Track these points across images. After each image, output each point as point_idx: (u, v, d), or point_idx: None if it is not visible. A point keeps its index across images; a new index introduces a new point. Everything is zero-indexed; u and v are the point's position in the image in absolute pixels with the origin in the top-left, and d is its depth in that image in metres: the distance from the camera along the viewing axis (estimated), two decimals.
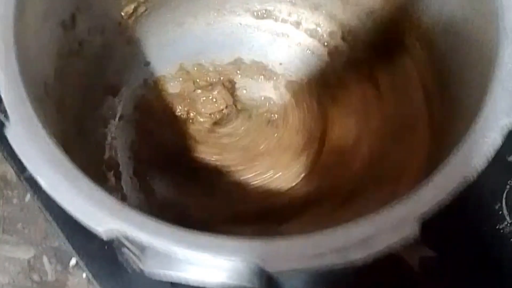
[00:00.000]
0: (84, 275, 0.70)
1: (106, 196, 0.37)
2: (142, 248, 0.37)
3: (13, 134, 0.38)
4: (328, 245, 0.35)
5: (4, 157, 0.75)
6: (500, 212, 0.66)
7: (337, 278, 0.55)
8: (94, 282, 0.68)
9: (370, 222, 0.36)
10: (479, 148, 0.38)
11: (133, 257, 0.39)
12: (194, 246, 0.35)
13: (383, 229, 0.36)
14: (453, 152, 0.39)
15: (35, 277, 0.71)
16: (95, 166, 0.57)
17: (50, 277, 0.71)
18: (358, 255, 0.35)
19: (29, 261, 0.71)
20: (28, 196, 0.74)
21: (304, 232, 0.36)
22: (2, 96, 0.39)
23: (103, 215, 0.36)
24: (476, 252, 0.67)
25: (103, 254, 0.70)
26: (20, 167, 0.74)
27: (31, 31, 0.43)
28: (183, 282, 0.37)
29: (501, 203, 0.66)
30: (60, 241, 0.72)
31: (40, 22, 0.45)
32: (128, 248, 0.40)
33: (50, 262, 0.71)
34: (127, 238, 0.36)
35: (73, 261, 0.71)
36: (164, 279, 0.37)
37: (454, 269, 0.66)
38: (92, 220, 0.36)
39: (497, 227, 0.65)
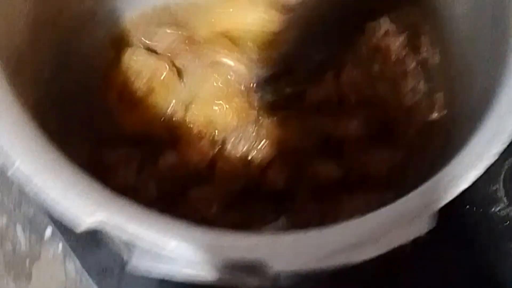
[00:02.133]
0: (60, 246, 0.66)
1: (89, 183, 0.33)
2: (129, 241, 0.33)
3: None
4: (339, 242, 0.31)
5: None
6: (497, 194, 0.64)
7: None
8: (72, 254, 0.65)
9: (383, 215, 0.33)
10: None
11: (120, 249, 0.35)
12: (189, 241, 0.31)
13: (398, 222, 0.32)
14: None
15: (7, 246, 0.66)
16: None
17: (24, 247, 0.66)
18: (373, 253, 0.31)
19: (1, 229, 0.67)
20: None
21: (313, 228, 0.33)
22: None
23: (86, 205, 0.32)
24: (471, 234, 0.65)
25: None
26: None
27: None
28: (172, 278, 0.34)
29: (499, 185, 0.64)
30: (35, 209, 0.67)
31: None
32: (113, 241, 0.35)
33: (23, 231, 0.67)
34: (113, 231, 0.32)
35: (48, 231, 0.66)
36: (153, 275, 0.33)
37: (447, 252, 0.64)
38: (73, 213, 0.31)
39: (493, 209, 0.63)
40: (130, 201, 0.33)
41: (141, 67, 0.56)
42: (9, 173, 0.31)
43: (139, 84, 0.56)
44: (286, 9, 0.58)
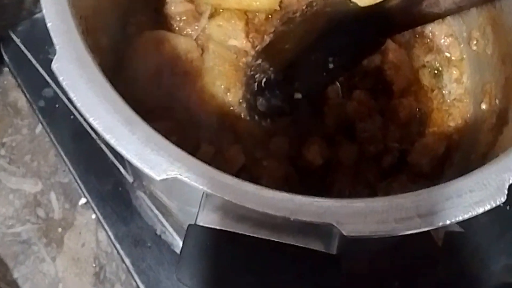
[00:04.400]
0: (93, 216, 0.66)
1: (164, 141, 0.33)
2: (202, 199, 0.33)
3: (61, 67, 0.33)
4: (414, 209, 0.32)
5: (18, 83, 0.70)
6: None
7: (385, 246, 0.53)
8: (104, 224, 0.65)
9: (458, 185, 0.33)
10: None
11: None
12: (267, 205, 0.31)
13: (473, 192, 0.33)
14: None
15: (41, 213, 0.67)
16: None
17: (57, 214, 0.67)
18: (446, 220, 0.32)
19: (35, 196, 0.68)
20: (39, 127, 0.70)
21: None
22: (49, 26, 0.35)
23: (161, 162, 0.32)
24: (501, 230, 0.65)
25: (116, 196, 0.66)
26: (34, 95, 0.70)
27: None
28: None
29: None
30: (70, 178, 0.68)
31: None
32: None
33: (58, 199, 0.68)
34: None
35: (82, 200, 0.67)
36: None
37: (477, 246, 0.65)
38: (150, 166, 0.32)
39: None
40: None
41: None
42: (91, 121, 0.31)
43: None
44: None
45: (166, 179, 0.32)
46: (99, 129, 0.32)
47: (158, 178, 0.31)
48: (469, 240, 0.66)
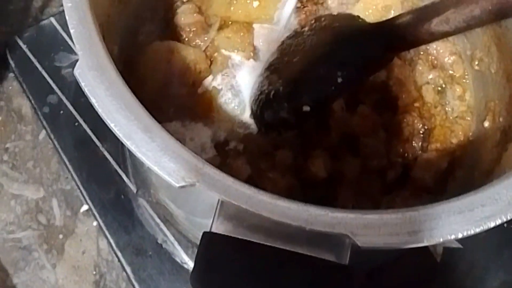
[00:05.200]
0: (94, 223, 0.66)
1: (182, 148, 0.34)
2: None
3: (82, 73, 0.34)
4: (426, 222, 0.33)
5: (23, 89, 0.70)
6: None
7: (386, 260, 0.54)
8: (106, 232, 0.65)
9: (470, 199, 0.34)
10: None
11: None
12: (283, 214, 0.32)
13: (485, 207, 0.33)
14: None
15: (42, 219, 0.67)
16: None
17: (58, 221, 0.67)
18: (458, 234, 0.32)
19: (37, 202, 0.67)
20: (43, 134, 0.70)
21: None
22: (72, 32, 0.35)
23: (180, 169, 0.32)
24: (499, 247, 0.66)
25: (118, 204, 0.66)
26: (38, 102, 0.70)
27: None
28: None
29: None
30: (72, 185, 0.68)
31: None
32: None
33: (59, 206, 0.68)
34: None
35: (84, 208, 0.67)
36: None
37: (475, 262, 0.65)
38: (169, 173, 0.32)
39: None
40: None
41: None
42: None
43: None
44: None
45: (184, 186, 0.32)
46: (120, 135, 0.32)
47: (177, 185, 0.32)
48: (467, 256, 0.66)
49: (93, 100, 0.32)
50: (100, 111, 0.32)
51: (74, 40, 0.34)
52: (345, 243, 0.34)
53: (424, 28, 0.47)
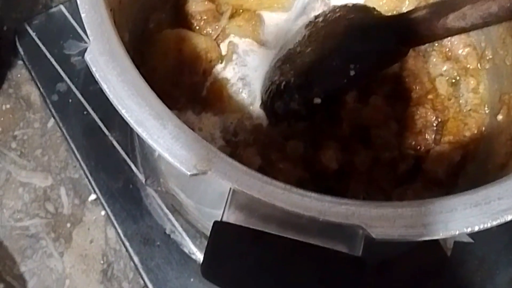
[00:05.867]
0: (102, 212, 0.66)
1: (194, 136, 0.33)
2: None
3: (94, 58, 0.33)
4: (442, 215, 0.32)
5: (32, 77, 0.70)
6: None
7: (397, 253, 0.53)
8: (114, 221, 0.65)
9: (487, 192, 0.33)
10: None
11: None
12: (296, 204, 0.31)
13: (502, 199, 0.33)
14: None
15: (50, 207, 0.67)
16: None
17: (66, 210, 0.67)
18: (475, 227, 0.32)
19: (45, 190, 0.67)
20: (51, 122, 0.70)
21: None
22: (84, 17, 0.35)
23: (192, 157, 0.32)
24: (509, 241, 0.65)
25: (126, 193, 0.66)
26: (47, 90, 0.70)
27: None
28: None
29: None
30: (81, 173, 0.68)
31: None
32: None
33: (67, 194, 0.67)
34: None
35: (92, 197, 0.67)
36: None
37: (485, 257, 0.64)
38: (181, 161, 0.32)
39: None
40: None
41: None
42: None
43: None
44: None
45: (196, 174, 0.32)
46: (131, 121, 0.32)
47: (188, 173, 0.31)
48: (477, 250, 0.66)
49: (104, 86, 0.32)
50: (111, 97, 0.32)
51: (85, 25, 0.33)
52: (358, 234, 0.33)
53: (440, 23, 0.46)
